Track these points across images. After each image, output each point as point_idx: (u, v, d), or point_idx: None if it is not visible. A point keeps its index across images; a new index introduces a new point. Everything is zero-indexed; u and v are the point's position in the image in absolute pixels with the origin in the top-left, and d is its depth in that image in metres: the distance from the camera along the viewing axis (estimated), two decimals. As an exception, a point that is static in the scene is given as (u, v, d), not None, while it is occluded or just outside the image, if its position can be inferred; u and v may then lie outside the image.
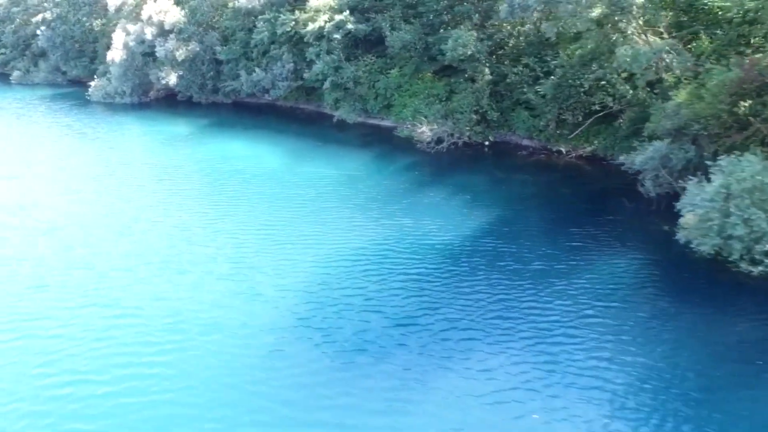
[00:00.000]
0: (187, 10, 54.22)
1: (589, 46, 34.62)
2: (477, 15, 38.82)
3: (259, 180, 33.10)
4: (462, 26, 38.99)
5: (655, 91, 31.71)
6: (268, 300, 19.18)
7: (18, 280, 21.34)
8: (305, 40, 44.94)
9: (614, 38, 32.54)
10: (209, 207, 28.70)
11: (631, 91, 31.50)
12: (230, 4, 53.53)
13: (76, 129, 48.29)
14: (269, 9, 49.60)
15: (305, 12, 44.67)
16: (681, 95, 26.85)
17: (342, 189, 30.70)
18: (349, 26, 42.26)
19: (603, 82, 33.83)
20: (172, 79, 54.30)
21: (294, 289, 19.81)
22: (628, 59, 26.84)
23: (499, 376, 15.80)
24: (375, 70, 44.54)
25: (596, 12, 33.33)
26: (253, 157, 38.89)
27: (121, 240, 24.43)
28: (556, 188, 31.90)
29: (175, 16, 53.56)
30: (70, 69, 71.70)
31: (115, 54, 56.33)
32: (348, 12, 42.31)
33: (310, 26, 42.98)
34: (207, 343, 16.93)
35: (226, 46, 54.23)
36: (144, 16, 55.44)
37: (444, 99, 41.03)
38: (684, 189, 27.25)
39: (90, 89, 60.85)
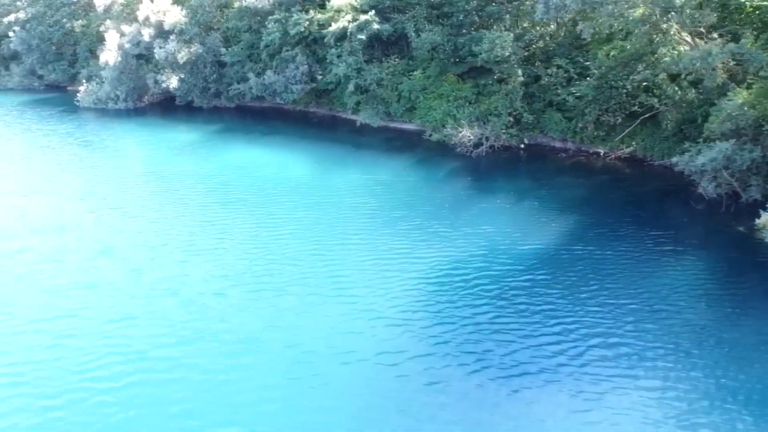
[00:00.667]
0: (188, 10, 51.64)
1: (629, 47, 34.98)
2: (508, 16, 38.43)
3: (305, 189, 31.66)
4: (494, 27, 38.66)
5: (700, 91, 32.28)
6: (391, 321, 17.96)
7: (102, 311, 19.31)
8: (326, 41, 43.49)
9: (657, 39, 32.98)
10: (271, 220, 26.97)
11: (679, 92, 31.81)
12: (235, 4, 51.35)
13: (79, 138, 45.14)
14: (279, 9, 47.82)
15: (323, 12, 43.20)
16: (741, 95, 27.28)
17: (402, 196, 29.66)
18: (375, 27, 41.15)
19: (646, 83, 34.08)
20: (173, 82, 51.67)
21: (409, 309, 18.69)
22: (692, 61, 27.02)
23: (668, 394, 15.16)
24: (398, 72, 43.60)
25: (638, 12, 33.67)
26: (285, 165, 37.29)
27: (193, 261, 22.60)
28: (609, 191, 31.94)
29: (175, 16, 50.95)
30: (47, 73, 67.25)
31: (109, 56, 53.11)
32: (373, 12, 41.14)
33: (333, 26, 41.57)
34: (347, 375, 15.66)
35: (229, 47, 52.08)
36: (140, 16, 52.51)
37: (472, 101, 40.59)
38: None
39: (79, 94, 57.21)
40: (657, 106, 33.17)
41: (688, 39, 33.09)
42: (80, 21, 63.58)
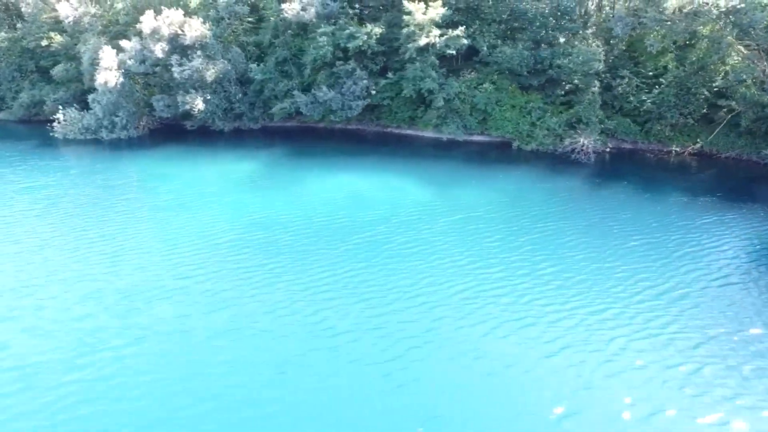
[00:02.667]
0: (210, 23, 45.99)
1: (695, 58, 40.56)
2: (589, 31, 41.68)
3: (446, 212, 30.18)
4: (576, 41, 41.66)
5: None
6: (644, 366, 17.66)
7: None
8: (406, 55, 42.36)
9: (722, 52, 38.77)
10: (450, 253, 25.05)
11: (756, 95, 37.76)
12: (271, 18, 46.98)
13: (100, 181, 35.72)
14: (325, 22, 45.27)
15: (402, 26, 42.12)
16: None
17: (558, 208, 30.38)
18: (463, 41, 41.38)
19: (718, 89, 39.74)
20: (199, 104, 45.57)
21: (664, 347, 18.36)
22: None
23: None
24: (472, 85, 44.31)
25: (707, 29, 39.36)
26: (397, 189, 34.15)
27: (418, 315, 20.56)
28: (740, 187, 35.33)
29: (197, 29, 44.97)
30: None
31: (108, 76, 44.79)
32: (463, 28, 41.31)
33: (422, 40, 40.68)
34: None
35: (255, 63, 47.65)
36: (144, 29, 45.27)
37: (547, 111, 43.07)
38: None
39: (56, 124, 47.16)
40: (735, 107, 38.87)
41: (745, 51, 39.62)
42: (51, 36, 51.71)
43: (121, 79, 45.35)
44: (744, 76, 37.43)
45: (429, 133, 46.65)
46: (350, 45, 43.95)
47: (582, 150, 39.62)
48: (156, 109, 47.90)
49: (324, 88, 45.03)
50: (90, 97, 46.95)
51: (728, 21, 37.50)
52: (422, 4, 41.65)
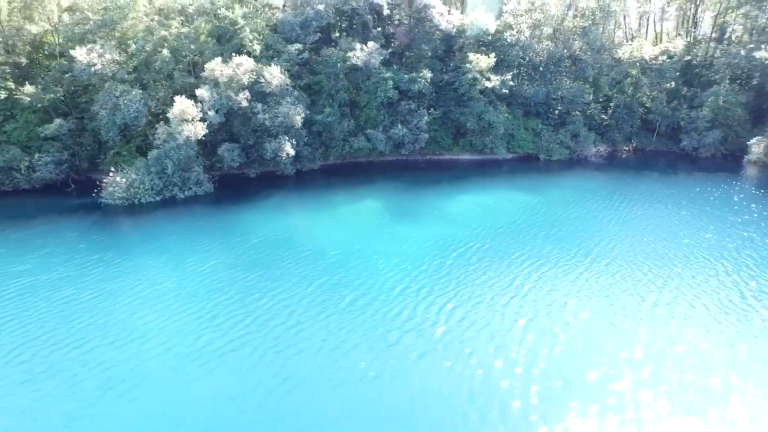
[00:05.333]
0: (282, 68, 46.34)
1: (629, 89, 61.23)
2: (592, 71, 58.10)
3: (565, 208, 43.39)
4: (565, 80, 57.85)
5: None
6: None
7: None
8: (471, 95, 51.52)
9: (642, 88, 60.31)
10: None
11: (668, 111, 59.89)
12: (338, 64, 49.44)
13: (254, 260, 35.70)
14: (388, 66, 51.15)
15: (464, 72, 51.31)
16: None
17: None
18: (511, 83, 52.93)
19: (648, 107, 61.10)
20: (289, 149, 45.86)
21: None
22: None
23: None
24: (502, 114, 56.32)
25: (635, 71, 60.34)
26: (511, 200, 44.79)
27: None
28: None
29: (277, 76, 45.12)
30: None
31: (195, 129, 41.32)
32: (513, 73, 52.78)
33: (488, 83, 50.77)
34: None
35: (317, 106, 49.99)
36: (220, 77, 43.17)
37: (546, 131, 58.38)
38: None
39: (108, 189, 40.67)
40: (655, 118, 60.58)
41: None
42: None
43: (206, 131, 42.31)
44: (658, 102, 59.06)
45: (465, 156, 56.64)
46: (413, 87, 50.95)
47: (600, 155, 55.85)
48: (225, 159, 45.41)
49: (399, 125, 50.80)
50: (154, 154, 41.85)
51: (646, 68, 58.93)
52: (479, 54, 51.86)
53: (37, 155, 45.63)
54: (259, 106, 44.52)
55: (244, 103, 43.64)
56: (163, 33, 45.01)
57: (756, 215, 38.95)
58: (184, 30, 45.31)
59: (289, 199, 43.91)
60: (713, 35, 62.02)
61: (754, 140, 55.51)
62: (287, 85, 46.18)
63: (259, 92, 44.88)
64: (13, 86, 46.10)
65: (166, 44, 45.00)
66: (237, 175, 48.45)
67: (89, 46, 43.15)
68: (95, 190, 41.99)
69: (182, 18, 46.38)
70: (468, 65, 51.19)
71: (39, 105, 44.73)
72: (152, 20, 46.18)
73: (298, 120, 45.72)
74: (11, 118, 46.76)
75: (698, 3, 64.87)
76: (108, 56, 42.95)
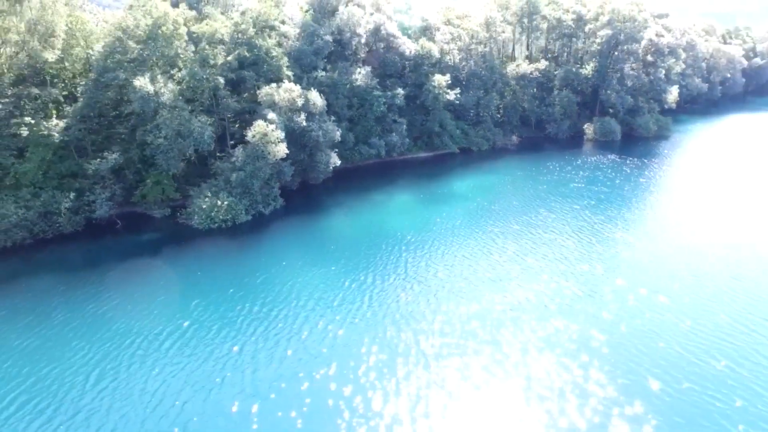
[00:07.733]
0: (317, 91, 52.83)
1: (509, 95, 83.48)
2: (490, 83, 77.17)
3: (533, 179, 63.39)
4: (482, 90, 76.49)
5: None
6: None
7: None
8: (433, 107, 65.25)
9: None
10: None
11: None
12: (347, 86, 57.09)
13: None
14: (381, 86, 61.79)
15: (427, 89, 64.92)
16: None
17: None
18: (459, 95, 68.47)
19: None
20: (336, 160, 53.31)
21: None
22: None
23: None
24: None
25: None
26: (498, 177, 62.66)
27: None
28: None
29: (318, 98, 51.77)
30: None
31: (281, 148, 45.95)
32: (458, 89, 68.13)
33: (449, 97, 65.42)
34: None
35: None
36: (280, 102, 48.17)
37: (470, 127, 76.67)
38: None
39: (197, 215, 43.43)
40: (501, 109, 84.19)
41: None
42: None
43: (287, 151, 47.09)
44: (528, 103, 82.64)
45: (422, 153, 70.48)
46: (396, 102, 62.78)
47: (513, 143, 76.00)
48: (285, 173, 50.15)
49: (394, 134, 62.02)
50: (239, 174, 45.06)
51: (520, 80, 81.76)
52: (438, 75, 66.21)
53: (87, 194, 42.81)
54: (313, 124, 50.61)
55: (304, 123, 49.35)
56: (211, 62, 47.04)
57: (592, 166, 63.96)
58: (230, 58, 48.08)
59: (340, 200, 51.66)
60: (549, 56, 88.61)
61: (586, 125, 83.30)
62: (324, 106, 52.95)
63: (307, 113, 50.85)
64: (32, 121, 41.98)
65: (214, 71, 47.13)
66: (282, 187, 52.78)
67: (147, 75, 43.03)
68: (175, 221, 42.41)
69: (222, 46, 48.75)
70: (433, 83, 65.11)
71: (60, 140, 42.14)
72: (196, 49, 47.46)
73: (338, 135, 53.17)
74: (20, 156, 42.40)
75: (530, 37, 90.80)
76: (171, 85, 43.60)
